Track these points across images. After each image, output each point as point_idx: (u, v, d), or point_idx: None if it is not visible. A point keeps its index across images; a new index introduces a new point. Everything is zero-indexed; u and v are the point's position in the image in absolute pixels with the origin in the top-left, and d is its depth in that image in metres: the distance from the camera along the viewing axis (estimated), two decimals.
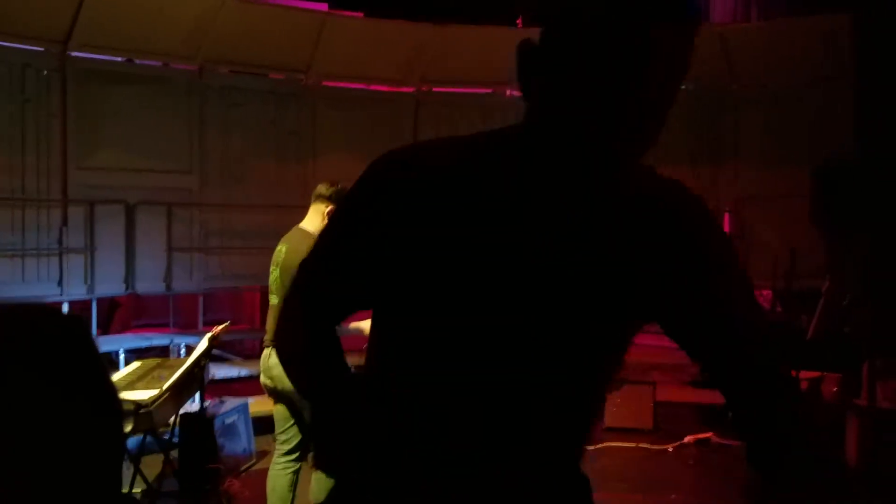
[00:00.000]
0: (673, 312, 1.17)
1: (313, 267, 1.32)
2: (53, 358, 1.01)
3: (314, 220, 4.07)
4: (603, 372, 1.16)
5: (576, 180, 1.13)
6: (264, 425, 6.08)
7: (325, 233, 1.34)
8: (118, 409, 1.07)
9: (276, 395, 4.11)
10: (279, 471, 4.09)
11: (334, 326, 1.36)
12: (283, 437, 4.12)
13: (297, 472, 4.11)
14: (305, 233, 4.03)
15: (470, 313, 1.13)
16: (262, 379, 4.14)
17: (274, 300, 4.11)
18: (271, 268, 4.12)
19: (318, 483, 3.84)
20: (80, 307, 7.55)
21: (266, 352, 4.12)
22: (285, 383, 4.00)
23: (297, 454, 4.10)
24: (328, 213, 4.01)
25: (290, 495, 4.09)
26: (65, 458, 0.99)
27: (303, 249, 4.37)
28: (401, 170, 1.19)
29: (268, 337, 4.13)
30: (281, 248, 4.08)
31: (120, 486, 1.10)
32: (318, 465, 1.21)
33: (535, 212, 1.13)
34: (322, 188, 4.09)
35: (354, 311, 1.35)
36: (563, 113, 1.09)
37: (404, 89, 9.12)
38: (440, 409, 1.17)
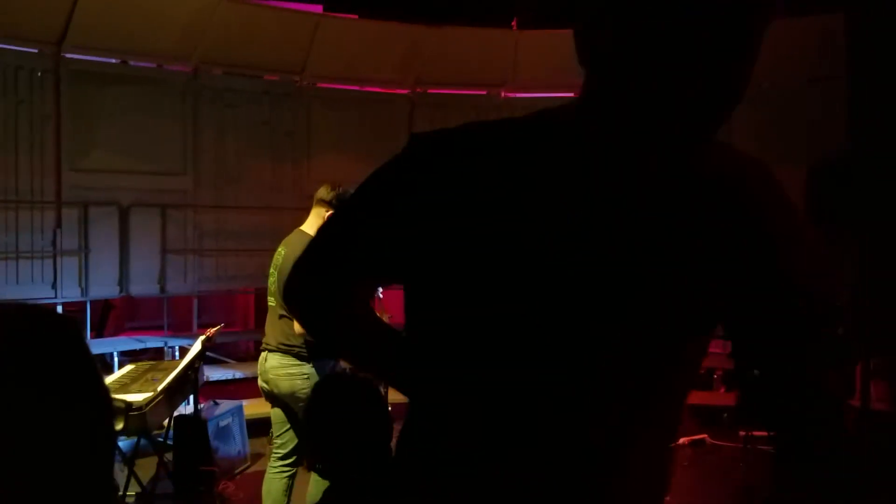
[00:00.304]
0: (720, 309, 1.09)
1: (331, 234, 1.25)
2: (44, 357, 1.00)
3: (314, 223, 4.05)
4: (610, 375, 1.08)
5: (633, 160, 1.05)
6: (259, 428, 6.08)
7: (348, 207, 1.25)
8: (109, 408, 1.07)
9: (273, 398, 4.10)
10: (274, 475, 4.08)
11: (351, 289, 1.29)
12: (279, 441, 4.11)
13: (292, 477, 4.09)
14: (305, 236, 4.02)
15: (481, 308, 1.09)
16: (260, 382, 4.13)
17: (272, 302, 4.10)
18: (270, 270, 4.11)
19: (315, 486, 3.84)
20: (74, 309, 7.53)
21: (263, 354, 4.11)
22: (281, 387, 4.01)
23: (293, 458, 4.09)
24: (328, 218, 3.99)
25: (285, 500, 4.07)
26: (55, 456, 0.98)
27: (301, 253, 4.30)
28: (445, 152, 1.13)
29: (266, 340, 4.12)
30: (280, 251, 4.07)
31: (111, 483, 1.09)
32: (312, 466, 1.20)
33: (573, 199, 1.06)
34: (323, 192, 4.07)
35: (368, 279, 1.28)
36: (626, 83, 1.00)
37: (399, 90, 9.12)
38: (439, 409, 1.15)
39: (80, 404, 1.01)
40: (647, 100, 0.98)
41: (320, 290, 1.26)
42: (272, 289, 4.08)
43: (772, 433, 1.14)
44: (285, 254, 4.00)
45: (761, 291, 1.07)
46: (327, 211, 4.00)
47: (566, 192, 1.07)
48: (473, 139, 1.13)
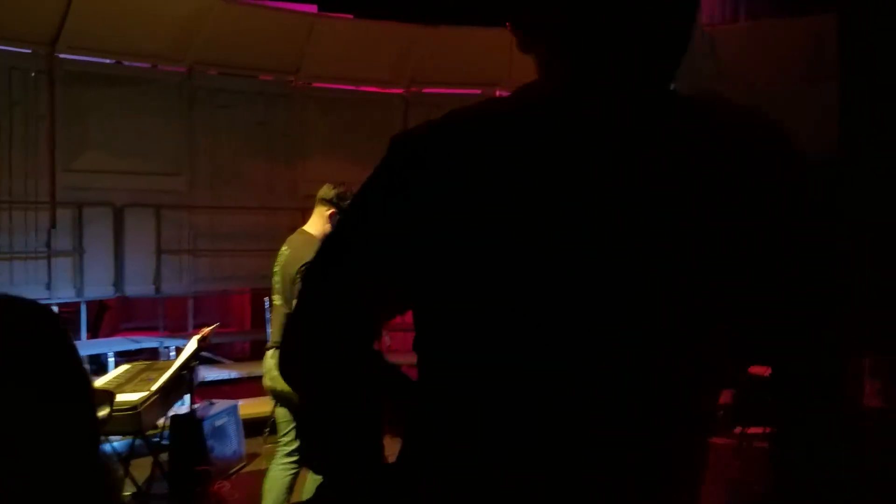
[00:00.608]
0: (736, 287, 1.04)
1: (329, 271, 1.18)
2: (22, 345, 1.00)
3: (317, 222, 4.08)
4: (611, 375, 1.05)
5: (625, 141, 1.03)
6: (254, 427, 6.08)
7: (343, 226, 1.20)
8: (90, 395, 1.06)
9: (277, 396, 4.14)
10: (279, 470, 4.11)
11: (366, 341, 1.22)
12: (285, 439, 4.14)
13: (296, 475, 4.11)
14: (308, 235, 4.06)
15: (480, 307, 1.06)
16: (264, 380, 4.17)
17: (277, 301, 4.14)
18: (274, 269, 4.16)
19: (314, 483, 3.85)
20: (69, 310, 7.52)
21: (268, 353, 4.14)
22: (284, 385, 4.02)
23: (298, 456, 4.11)
24: (330, 217, 4.02)
25: (286, 496, 4.09)
26: (36, 444, 0.98)
27: (304, 253, 4.39)
28: (431, 148, 1.09)
29: (273, 339, 4.15)
30: (284, 251, 4.10)
31: (96, 470, 1.08)
32: (305, 462, 1.20)
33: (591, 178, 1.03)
34: (325, 190, 4.09)
35: (382, 317, 1.21)
36: (593, 53, 1.01)
37: (394, 90, 9.12)
38: (439, 408, 1.13)
39: (60, 391, 1.01)
40: (617, 63, 1.00)
41: (325, 292, 1.21)
42: (276, 287, 4.12)
43: (770, 430, 1.12)
44: (288, 254, 4.04)
45: (771, 282, 1.04)
46: (328, 210, 4.02)
47: (560, 182, 1.04)
48: (456, 132, 1.10)
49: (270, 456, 5.83)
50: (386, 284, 1.16)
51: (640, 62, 1.01)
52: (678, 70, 1.04)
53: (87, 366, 7.17)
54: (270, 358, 4.10)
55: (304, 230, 4.11)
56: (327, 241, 1.23)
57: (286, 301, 3.98)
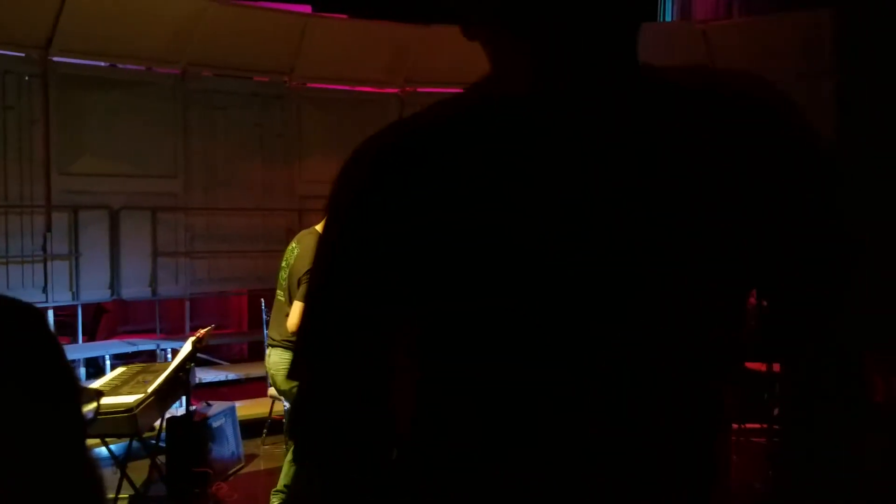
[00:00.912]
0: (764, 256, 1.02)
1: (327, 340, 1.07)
2: (6, 344, 1.00)
3: None
4: (612, 375, 1.03)
5: (612, 108, 1.01)
6: (252, 429, 6.08)
7: (322, 277, 1.11)
8: (76, 392, 1.06)
9: (280, 394, 4.20)
10: None
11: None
12: None
13: None
14: (319, 235, 4.09)
15: (479, 308, 1.02)
16: (269, 379, 4.24)
17: (281, 297, 4.17)
18: (282, 264, 4.20)
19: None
20: (66, 313, 7.51)
21: (267, 351, 4.22)
22: (278, 382, 4.12)
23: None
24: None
25: None
26: (23, 442, 0.98)
27: (313, 254, 4.49)
28: (427, 147, 1.04)
29: (270, 335, 4.23)
30: (293, 248, 4.15)
31: (83, 467, 1.07)
32: (297, 461, 1.19)
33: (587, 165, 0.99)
34: None
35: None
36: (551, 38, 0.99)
37: (389, 90, 9.12)
38: (439, 409, 1.11)
39: (46, 389, 1.00)
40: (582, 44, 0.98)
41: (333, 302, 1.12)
42: (283, 284, 4.16)
43: (768, 426, 1.11)
44: (298, 252, 4.09)
45: (772, 280, 1.04)
46: None
47: (558, 180, 1.00)
48: (450, 130, 1.07)
49: (269, 457, 5.85)
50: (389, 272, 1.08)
51: (607, 42, 0.99)
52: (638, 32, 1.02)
53: (84, 369, 7.18)
54: (269, 356, 4.16)
55: (315, 229, 4.19)
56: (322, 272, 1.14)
57: (289, 298, 4.04)
